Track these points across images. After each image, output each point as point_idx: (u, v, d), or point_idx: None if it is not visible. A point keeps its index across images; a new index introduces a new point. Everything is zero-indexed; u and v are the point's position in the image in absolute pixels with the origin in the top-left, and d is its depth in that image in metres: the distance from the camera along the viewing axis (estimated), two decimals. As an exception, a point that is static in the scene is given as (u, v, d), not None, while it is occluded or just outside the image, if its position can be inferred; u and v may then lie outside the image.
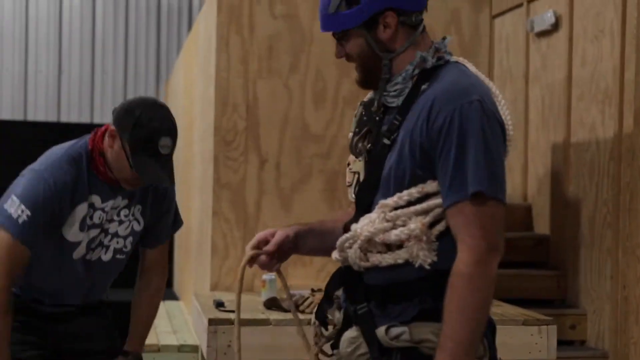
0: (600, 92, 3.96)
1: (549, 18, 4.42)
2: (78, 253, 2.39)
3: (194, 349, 3.61)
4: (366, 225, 1.54)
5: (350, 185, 1.72)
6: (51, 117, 8.53)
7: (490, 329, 1.59)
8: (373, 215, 1.53)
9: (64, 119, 8.58)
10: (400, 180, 1.52)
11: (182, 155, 5.61)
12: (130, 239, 2.48)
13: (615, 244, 3.70)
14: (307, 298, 3.07)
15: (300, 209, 3.67)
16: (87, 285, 2.48)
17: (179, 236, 5.80)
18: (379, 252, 1.55)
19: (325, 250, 1.79)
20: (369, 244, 1.55)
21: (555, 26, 4.45)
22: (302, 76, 3.67)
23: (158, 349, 3.61)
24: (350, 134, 1.70)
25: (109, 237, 2.41)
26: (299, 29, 3.70)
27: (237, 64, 3.63)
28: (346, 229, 1.63)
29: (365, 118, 1.67)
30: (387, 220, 1.51)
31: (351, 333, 1.61)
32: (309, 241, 1.76)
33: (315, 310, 2.97)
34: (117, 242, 2.44)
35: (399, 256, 1.53)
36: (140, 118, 2.23)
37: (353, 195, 1.68)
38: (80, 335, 2.51)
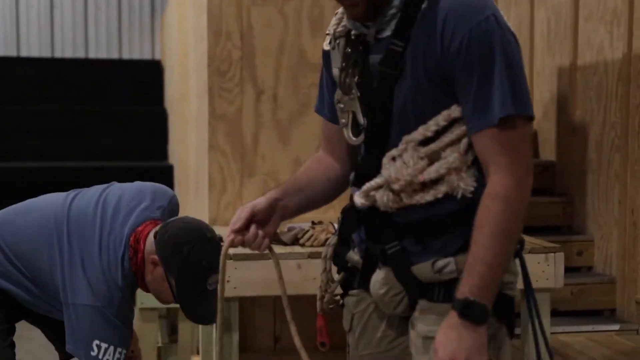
0: (609, 11, 3.88)
1: None
2: None
3: None
4: (401, 168, 1.51)
5: (347, 126, 1.64)
6: (45, 53, 8.52)
7: (522, 247, 1.61)
8: (405, 156, 1.50)
9: (58, 54, 8.59)
10: (421, 110, 1.49)
11: (178, 89, 5.64)
12: None
13: (624, 168, 3.70)
14: (307, 231, 3.04)
15: (299, 141, 3.61)
16: None
17: (177, 173, 5.95)
18: (415, 190, 1.52)
19: (311, 206, 1.79)
20: (406, 187, 1.53)
21: None
22: (298, 2, 3.59)
23: None
24: (335, 70, 1.64)
25: None
26: (293, -47, 3.67)
27: None
28: (360, 170, 1.62)
29: (349, 50, 1.61)
30: (422, 158, 1.49)
31: (381, 274, 1.60)
32: (293, 201, 1.72)
33: (316, 244, 2.91)
34: None
35: (439, 191, 1.52)
36: (189, 257, 2.20)
37: (352, 137, 1.62)
38: None
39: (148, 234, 2.23)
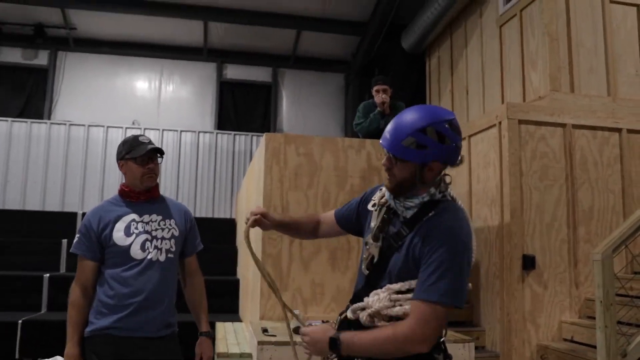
0: (489, 198, 4.81)
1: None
2: (135, 253, 2.72)
3: (251, 355, 3.90)
4: (375, 301, 1.79)
5: (366, 260, 1.91)
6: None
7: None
8: (382, 295, 1.77)
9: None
10: (404, 274, 1.78)
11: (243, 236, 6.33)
12: (173, 240, 2.83)
13: (501, 288, 4.51)
14: None
15: (315, 270, 4.31)
16: (158, 285, 2.72)
17: (241, 284, 6.65)
18: (382, 319, 1.80)
19: (291, 233, 2.32)
20: (375, 314, 1.80)
21: (460, 161, 5.06)
22: (315, 190, 4.46)
23: (227, 355, 4.04)
24: (373, 224, 1.92)
25: (159, 240, 2.78)
26: (313, 162, 4.50)
27: (276, 182, 4.41)
28: (356, 295, 1.90)
29: (385, 216, 1.90)
30: (391, 300, 1.76)
31: None
32: (276, 220, 2.19)
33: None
34: (166, 244, 2.81)
35: None
36: (124, 140, 2.85)
37: (365, 269, 1.90)
38: None
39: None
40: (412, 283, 1.74)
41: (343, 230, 2.21)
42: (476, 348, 4.05)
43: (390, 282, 1.79)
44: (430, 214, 1.79)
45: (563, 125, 4.86)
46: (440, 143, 1.79)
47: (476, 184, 5.09)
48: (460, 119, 6.62)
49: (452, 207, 1.85)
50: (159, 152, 2.80)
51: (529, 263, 4.57)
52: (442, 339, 1.86)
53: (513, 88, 6.19)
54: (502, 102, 6.35)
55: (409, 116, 1.81)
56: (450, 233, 1.74)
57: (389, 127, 1.85)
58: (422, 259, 1.73)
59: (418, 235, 1.78)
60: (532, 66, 5.87)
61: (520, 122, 4.70)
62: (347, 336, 1.74)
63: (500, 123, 4.75)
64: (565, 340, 4.51)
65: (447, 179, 1.90)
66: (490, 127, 4.88)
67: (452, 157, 1.84)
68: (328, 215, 2.23)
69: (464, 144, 5.30)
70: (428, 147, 1.76)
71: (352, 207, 2.15)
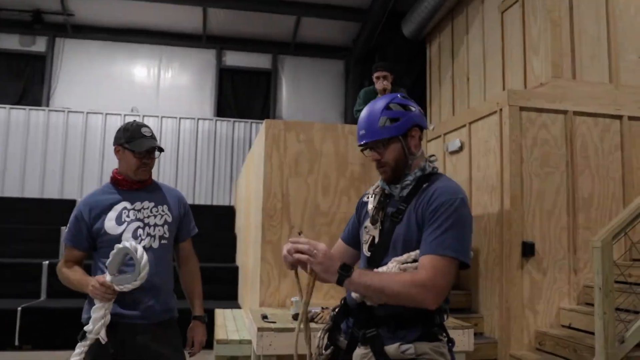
0: (489, 186, 4.91)
1: (457, 143, 5.46)
2: (128, 241, 2.63)
3: (250, 342, 4.02)
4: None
5: (366, 243, 1.95)
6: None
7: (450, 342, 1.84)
8: (390, 266, 1.78)
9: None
10: (408, 244, 1.82)
11: (243, 223, 6.41)
12: (166, 227, 2.80)
13: (500, 275, 4.58)
14: (319, 314, 3.58)
15: None
16: (154, 271, 2.63)
17: (240, 272, 6.64)
18: None
19: None
20: None
21: (461, 148, 5.43)
22: (315, 176, 4.47)
23: (227, 341, 4.34)
24: (371, 207, 2.00)
25: (152, 227, 2.75)
26: (313, 148, 4.49)
27: (276, 169, 4.41)
28: None
29: (382, 199, 1.98)
30: (399, 270, 1.78)
31: (361, 350, 1.78)
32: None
33: (325, 328, 2.42)
34: (159, 230, 2.78)
35: None
36: (125, 126, 2.78)
37: (367, 251, 1.92)
38: (155, 349, 2.67)
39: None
40: (414, 254, 1.79)
41: (356, 249, 2.17)
42: (475, 334, 4.00)
43: (396, 256, 1.81)
44: (424, 186, 1.86)
45: (564, 112, 4.87)
46: (407, 111, 1.93)
47: (476, 171, 5.13)
48: (461, 106, 7.06)
49: (444, 176, 1.94)
50: (159, 148, 2.79)
51: (528, 250, 4.60)
52: (444, 320, 1.88)
53: (514, 75, 6.19)
54: (503, 88, 6.34)
55: (368, 110, 1.97)
56: (448, 192, 1.80)
57: (358, 128, 1.99)
58: (425, 219, 1.78)
59: (416, 204, 1.83)
60: (533, 52, 5.86)
61: (522, 109, 4.72)
62: (359, 269, 1.75)
63: (501, 110, 4.77)
64: (564, 326, 4.55)
65: (433, 158, 2.01)
66: (491, 114, 4.90)
67: (422, 120, 1.98)
68: (337, 247, 2.21)
69: (465, 130, 5.31)
70: (400, 117, 1.90)
71: (353, 221, 2.17)
